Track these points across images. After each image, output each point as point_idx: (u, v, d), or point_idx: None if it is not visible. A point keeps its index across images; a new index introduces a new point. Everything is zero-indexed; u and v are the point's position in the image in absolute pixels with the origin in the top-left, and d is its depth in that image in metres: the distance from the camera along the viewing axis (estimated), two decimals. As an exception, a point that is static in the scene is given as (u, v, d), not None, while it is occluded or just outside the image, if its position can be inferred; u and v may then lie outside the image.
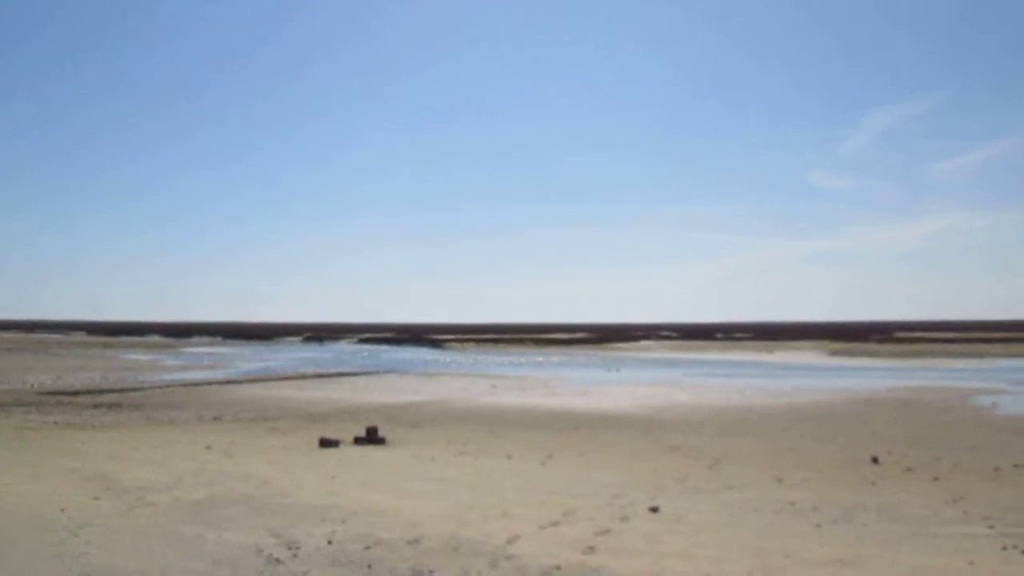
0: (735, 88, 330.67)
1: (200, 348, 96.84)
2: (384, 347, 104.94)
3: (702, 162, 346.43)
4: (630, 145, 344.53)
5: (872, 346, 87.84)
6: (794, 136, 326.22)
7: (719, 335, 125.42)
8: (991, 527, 10.29)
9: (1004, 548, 9.15)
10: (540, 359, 73.33)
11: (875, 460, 16.99)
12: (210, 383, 42.26)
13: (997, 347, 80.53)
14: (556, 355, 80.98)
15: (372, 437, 20.04)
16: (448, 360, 72.71)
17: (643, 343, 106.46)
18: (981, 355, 69.85)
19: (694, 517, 10.84)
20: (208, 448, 18.37)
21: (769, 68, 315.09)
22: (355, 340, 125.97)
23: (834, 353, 78.33)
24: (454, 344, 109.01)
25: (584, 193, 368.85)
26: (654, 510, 11.24)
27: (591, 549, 9.01)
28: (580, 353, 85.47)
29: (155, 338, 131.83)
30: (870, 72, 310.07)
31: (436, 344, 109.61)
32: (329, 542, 9.33)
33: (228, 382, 43.11)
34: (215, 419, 26.08)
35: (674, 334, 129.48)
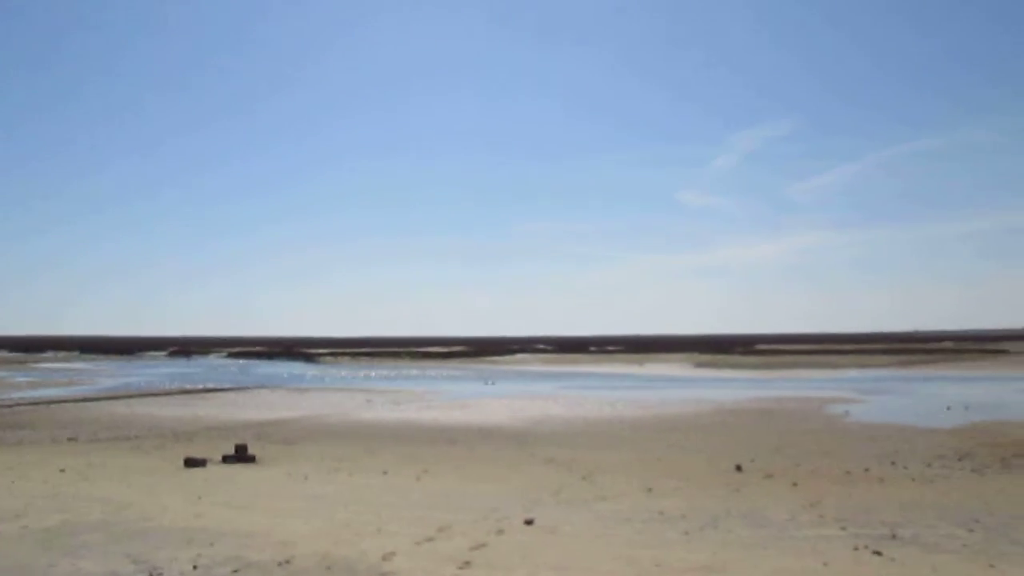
0: (608, 106, 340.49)
1: (54, 364, 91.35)
2: (255, 361, 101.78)
3: (576, 178, 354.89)
4: (506, 160, 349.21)
5: (737, 358, 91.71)
6: (664, 155, 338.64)
7: (593, 348, 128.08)
8: (844, 529, 10.90)
9: (856, 548, 9.70)
10: (416, 373, 72.90)
11: (739, 468, 17.72)
12: (65, 401, 39.91)
13: (849, 358, 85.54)
14: (433, 368, 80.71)
15: (242, 455, 19.40)
16: (322, 374, 71.26)
17: (519, 356, 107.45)
18: (835, 366, 74.01)
19: (568, 529, 11.00)
20: (62, 471, 17.32)
21: (640, 88, 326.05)
22: (224, 354, 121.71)
23: (701, 365, 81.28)
24: (328, 358, 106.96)
25: (460, 207, 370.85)
26: (529, 523, 11.34)
27: (467, 564, 9.00)
28: (456, 366, 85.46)
29: (2, 353, 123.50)
30: (735, 96, 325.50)
31: (310, 358, 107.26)
32: (195, 567, 8.95)
33: (85, 399, 40.80)
34: (70, 439, 24.63)
35: (549, 347, 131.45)
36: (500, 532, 10.71)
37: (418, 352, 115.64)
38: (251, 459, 19.28)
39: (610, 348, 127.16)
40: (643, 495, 14.19)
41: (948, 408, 32.75)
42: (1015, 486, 15.26)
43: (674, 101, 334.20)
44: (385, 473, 17.13)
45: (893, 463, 18.57)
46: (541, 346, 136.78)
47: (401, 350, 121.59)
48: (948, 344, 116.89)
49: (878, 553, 9.42)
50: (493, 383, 55.99)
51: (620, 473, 17.11)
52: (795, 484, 15.48)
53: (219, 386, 52.25)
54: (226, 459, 19.15)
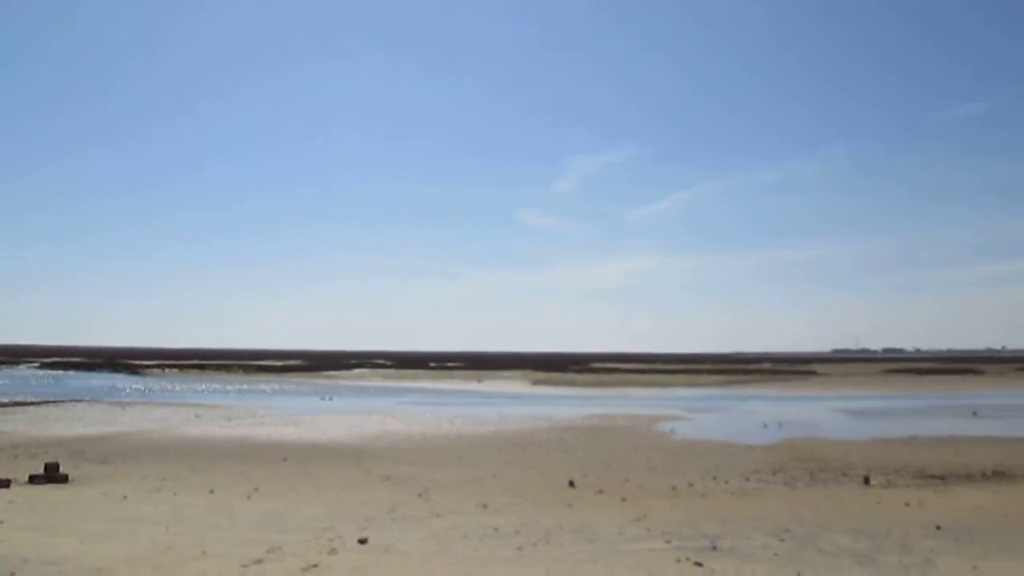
0: (452, 125, 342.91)
1: None
2: (72, 373, 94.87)
3: (419, 195, 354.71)
4: (346, 176, 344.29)
5: (572, 376, 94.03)
6: (507, 175, 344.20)
7: (433, 364, 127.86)
8: (668, 541, 11.37)
9: (678, 560, 10.14)
10: (248, 387, 70.25)
11: (572, 484, 18.16)
12: None
13: (678, 377, 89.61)
14: (267, 383, 78.03)
15: (52, 475, 18.00)
16: (147, 388, 67.35)
17: (357, 371, 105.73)
18: (665, 385, 77.33)
19: (403, 547, 10.89)
20: None
21: (486, 109, 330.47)
22: (37, 365, 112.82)
23: (538, 382, 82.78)
24: (154, 370, 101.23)
25: (298, 220, 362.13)
26: (363, 542, 11.15)
27: (297, 586, 8.74)
28: (292, 381, 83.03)
29: None
30: (577, 121, 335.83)
31: (134, 370, 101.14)
32: (-7, 597, 8.22)
33: None
34: None
35: (389, 363, 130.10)
36: (333, 552, 10.46)
37: (252, 366, 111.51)
38: (63, 479, 17.94)
39: (450, 364, 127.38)
40: (479, 511, 14.27)
41: (765, 426, 34.89)
42: (821, 498, 16.44)
43: (518, 123, 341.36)
44: (212, 492, 16.38)
45: (715, 478, 19.57)
46: (381, 361, 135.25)
47: (234, 363, 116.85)
48: (767, 365, 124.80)
49: (699, 564, 9.88)
50: (330, 398, 54.80)
51: (457, 490, 17.14)
52: (624, 499, 16.01)
53: (28, 399, 48.33)
54: (33, 479, 17.71)
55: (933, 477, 19.85)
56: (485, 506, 14.86)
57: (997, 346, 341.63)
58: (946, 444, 27.13)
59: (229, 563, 9.72)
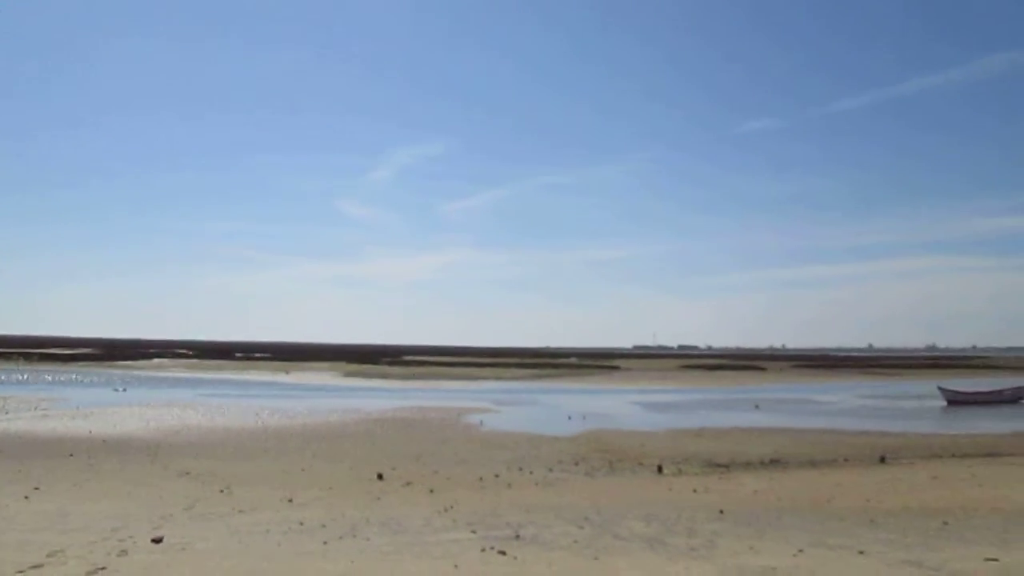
0: (267, 108, 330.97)
1: None
2: None
3: (233, 179, 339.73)
4: (154, 162, 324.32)
5: (384, 368, 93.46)
6: (324, 163, 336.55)
7: (239, 354, 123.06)
8: (474, 531, 11.60)
9: (483, 550, 10.37)
10: (27, 377, 64.67)
11: (380, 476, 18.10)
12: None
13: (488, 371, 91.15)
14: (52, 372, 72.15)
15: None
16: (-94, 377, 60.43)
17: (156, 361, 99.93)
18: (475, 378, 78.45)
19: (201, 545, 10.46)
20: None
21: (303, 96, 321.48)
22: None
23: (349, 374, 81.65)
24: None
25: (101, 204, 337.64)
26: (157, 541, 10.60)
27: (81, 590, 8.19)
28: (82, 370, 77.25)
29: None
30: (394, 111, 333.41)
31: None
32: None
33: None
34: None
35: (190, 352, 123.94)
36: (123, 553, 9.87)
37: (35, 354, 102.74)
38: None
39: (258, 355, 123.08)
40: (284, 506, 13.94)
41: (570, 418, 36.22)
42: (619, 486, 17.33)
43: (336, 110, 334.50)
44: (-16, 492, 15.00)
45: (520, 469, 20.14)
46: (182, 351, 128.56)
47: (13, 351, 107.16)
48: (573, 360, 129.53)
49: (503, 553, 10.16)
50: (124, 389, 51.48)
51: (261, 484, 16.65)
52: (432, 491, 16.16)
53: None
54: None
55: (719, 465, 21.38)
56: (291, 500, 14.54)
57: (779, 345, 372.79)
58: (731, 435, 29.29)
59: (3, 569, 8.96)
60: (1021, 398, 50.02)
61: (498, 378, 78.77)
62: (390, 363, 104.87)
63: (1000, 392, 51.82)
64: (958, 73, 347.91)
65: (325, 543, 10.74)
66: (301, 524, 12.10)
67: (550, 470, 20.11)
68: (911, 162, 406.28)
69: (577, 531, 11.68)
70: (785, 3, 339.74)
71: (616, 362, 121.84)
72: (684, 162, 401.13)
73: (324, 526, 11.96)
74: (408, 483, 17.28)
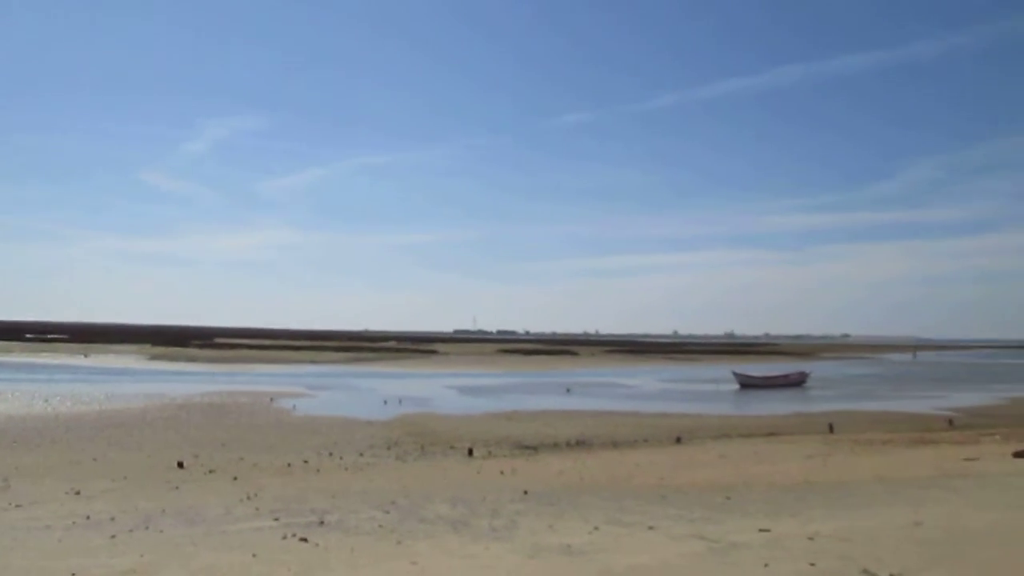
0: (67, 73, 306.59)
1: None
2: None
3: (27, 144, 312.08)
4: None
5: (193, 351, 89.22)
6: (129, 132, 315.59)
7: (29, 335, 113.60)
8: (277, 519, 11.35)
9: (284, 537, 10.17)
10: None
11: (181, 465, 17.33)
12: None
13: (304, 354, 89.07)
14: None
15: None
16: None
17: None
18: (290, 361, 76.46)
19: (-31, 543, 9.63)
20: None
21: (111, 58, 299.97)
22: None
23: (155, 357, 77.40)
24: None
25: None
26: (-83, 540, 9.65)
27: None
28: None
29: None
30: (209, 81, 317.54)
31: None
32: None
33: None
34: None
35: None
36: None
37: None
38: None
39: (52, 336, 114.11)
40: (70, 499, 13.06)
41: (385, 402, 36.10)
42: (429, 469, 17.49)
43: (144, 78, 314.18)
44: None
45: (331, 454, 19.88)
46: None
47: None
48: (391, 343, 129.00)
49: (304, 540, 10.00)
50: None
51: (45, 476, 15.52)
52: (236, 478, 15.66)
53: None
54: None
55: (527, 447, 22.04)
56: (78, 492, 13.64)
57: (593, 331, 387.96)
58: (541, 418, 30.23)
59: None
60: (804, 382, 54.74)
61: (314, 362, 77.18)
62: (201, 346, 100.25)
63: (786, 376, 56.52)
64: (757, 81, 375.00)
65: (113, 537, 10.17)
66: (88, 518, 11.38)
67: (361, 455, 19.99)
68: (719, 159, 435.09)
69: (383, 516, 11.69)
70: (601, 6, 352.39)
71: (435, 346, 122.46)
72: (505, 150, 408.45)
73: (113, 519, 11.32)
74: (211, 471, 16.66)
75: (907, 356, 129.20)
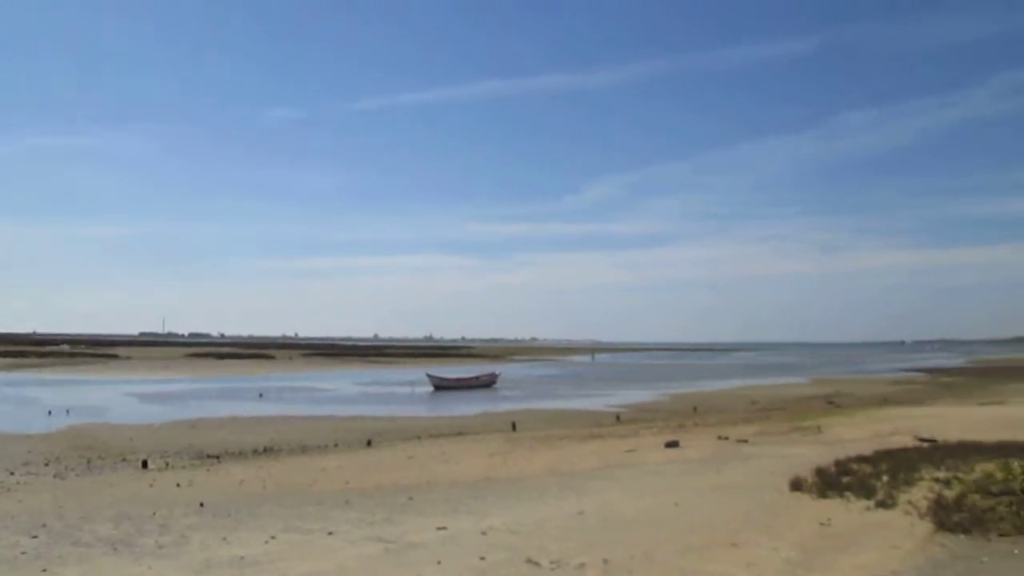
0: None
1: None
2: None
3: None
4: None
5: None
6: None
7: None
8: None
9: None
10: None
11: None
12: None
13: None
14: None
15: None
16: None
17: None
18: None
19: None
20: None
21: None
22: None
23: None
24: None
25: None
26: None
27: None
28: None
29: None
30: None
31: None
32: None
33: None
34: None
35: None
36: None
37: None
38: None
39: None
40: None
41: (50, 413, 32.47)
42: (93, 487, 15.94)
43: None
44: None
45: (-25, 474, 17.47)
46: None
47: None
48: (64, 347, 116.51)
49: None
50: None
51: None
52: None
53: None
54: None
55: (210, 457, 20.88)
56: None
57: (292, 333, 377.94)
58: (229, 425, 28.86)
59: None
60: (494, 383, 57.44)
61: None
62: None
63: (477, 378, 58.96)
64: (462, 93, 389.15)
65: None
66: None
67: (11, 474, 17.74)
68: (423, 165, 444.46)
69: (29, 541, 10.43)
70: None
71: (116, 350, 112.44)
72: (198, 142, 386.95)
73: None
74: None
75: (587, 358, 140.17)
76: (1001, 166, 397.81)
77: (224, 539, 10.37)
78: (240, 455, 21.21)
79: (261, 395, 45.28)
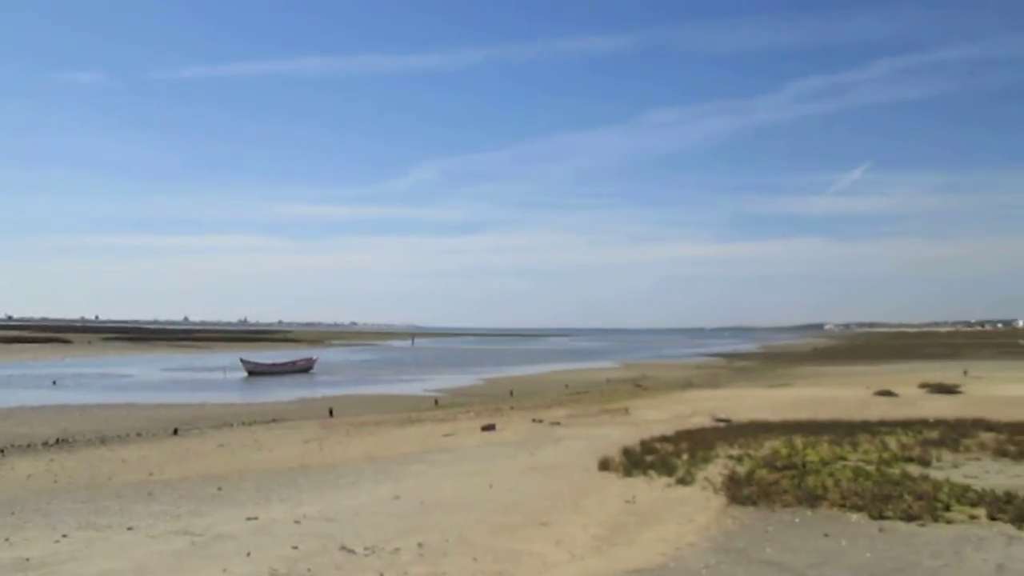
0: None
1: None
2: None
3: None
4: None
5: None
6: None
7: None
8: None
9: None
10: None
11: None
12: None
13: None
14: None
15: None
16: None
17: None
18: None
19: None
20: None
21: None
22: None
23: None
24: None
25: None
26: None
27: None
28: None
29: None
30: None
31: None
32: None
33: None
34: None
35: None
36: None
37: None
38: None
39: None
40: None
41: None
42: None
43: None
44: None
45: None
46: None
47: None
48: None
49: None
50: None
51: None
52: None
53: None
54: None
55: (-7, 451, 19.14)
56: None
57: (91, 316, 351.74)
58: (15, 415, 26.58)
59: None
60: (311, 368, 56.18)
61: None
62: None
63: (294, 363, 57.45)
64: (282, 67, 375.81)
65: None
66: None
67: None
68: (240, 143, 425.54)
69: None
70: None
71: None
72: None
73: None
74: None
75: (406, 343, 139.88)
76: (793, 168, 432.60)
77: (7, 540, 9.56)
78: (28, 448, 19.55)
79: (55, 382, 41.96)
